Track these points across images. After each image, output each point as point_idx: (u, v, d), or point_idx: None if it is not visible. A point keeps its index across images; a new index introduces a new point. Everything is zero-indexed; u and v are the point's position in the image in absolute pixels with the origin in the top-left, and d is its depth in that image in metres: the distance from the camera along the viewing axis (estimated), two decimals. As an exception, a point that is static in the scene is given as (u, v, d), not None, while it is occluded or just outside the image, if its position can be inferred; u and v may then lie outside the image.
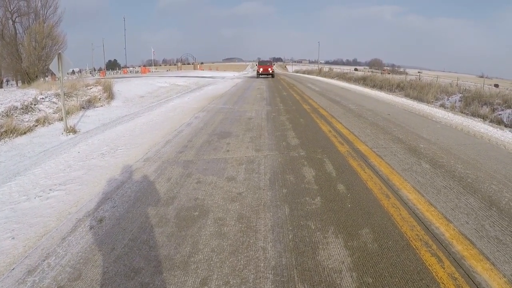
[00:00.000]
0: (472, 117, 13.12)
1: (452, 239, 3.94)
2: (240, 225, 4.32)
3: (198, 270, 3.45)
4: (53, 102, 13.23)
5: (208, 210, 4.76)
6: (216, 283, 3.26)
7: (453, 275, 3.31)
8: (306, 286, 3.20)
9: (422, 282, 3.22)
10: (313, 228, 4.24)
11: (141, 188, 5.57)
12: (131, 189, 5.54)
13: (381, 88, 27.16)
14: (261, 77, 46.04)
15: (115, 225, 4.37)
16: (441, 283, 3.20)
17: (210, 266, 3.51)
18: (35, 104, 12.41)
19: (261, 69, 46.55)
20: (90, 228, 4.31)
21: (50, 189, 5.59)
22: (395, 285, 3.20)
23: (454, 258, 3.58)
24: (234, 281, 3.28)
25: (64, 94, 11.22)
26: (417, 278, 3.29)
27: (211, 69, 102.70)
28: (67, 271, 3.44)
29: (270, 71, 46.22)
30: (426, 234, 4.06)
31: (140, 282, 3.27)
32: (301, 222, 4.39)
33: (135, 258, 3.66)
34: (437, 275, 3.32)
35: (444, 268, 3.42)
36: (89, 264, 3.55)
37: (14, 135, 10.04)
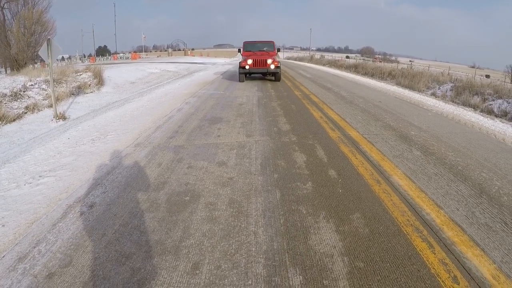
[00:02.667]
0: (463, 107, 13.14)
1: (443, 225, 3.96)
2: (231, 210, 4.32)
3: (189, 255, 3.44)
4: (43, 88, 13.04)
5: (199, 195, 4.74)
6: (208, 267, 3.26)
7: (443, 261, 3.33)
8: (297, 270, 3.21)
9: (413, 267, 3.23)
10: (304, 213, 4.24)
11: (132, 174, 5.53)
12: (122, 175, 5.50)
13: (372, 75, 27.16)
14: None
15: (105, 211, 4.34)
16: (431, 268, 3.22)
17: (201, 251, 3.50)
18: (24, 91, 12.23)
19: (249, 63, 19.69)
20: (81, 214, 4.27)
21: (40, 176, 5.53)
22: (387, 269, 3.21)
23: (444, 244, 3.59)
24: (226, 266, 3.28)
25: (54, 80, 11.08)
26: (408, 263, 3.30)
27: (202, 55, 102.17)
28: (58, 258, 3.41)
29: (272, 67, 19.65)
30: (417, 219, 4.07)
31: (131, 267, 3.25)
32: (293, 206, 4.39)
33: (126, 243, 3.63)
34: (427, 260, 3.33)
35: (435, 254, 3.43)
36: (80, 250, 3.52)
37: (3, 122, 9.90)
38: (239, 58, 24.45)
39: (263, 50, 21.37)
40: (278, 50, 22.23)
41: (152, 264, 3.30)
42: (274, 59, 19.63)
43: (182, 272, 3.19)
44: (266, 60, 19.38)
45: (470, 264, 3.28)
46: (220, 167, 5.78)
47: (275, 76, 20.60)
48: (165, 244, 3.61)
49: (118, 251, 3.50)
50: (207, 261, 3.35)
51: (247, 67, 19.43)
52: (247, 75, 20.92)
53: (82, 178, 5.43)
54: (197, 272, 3.20)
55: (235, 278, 3.11)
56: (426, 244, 3.60)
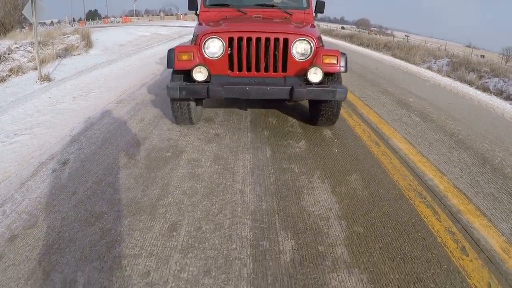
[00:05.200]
0: (459, 82, 12.89)
1: (447, 192, 3.68)
2: (216, 167, 4.00)
3: (166, 215, 3.11)
4: (28, 51, 12.54)
5: (182, 150, 4.42)
6: (187, 228, 2.92)
7: (450, 229, 3.03)
8: (289, 234, 2.88)
9: (418, 235, 2.93)
10: (296, 171, 3.94)
11: (111, 130, 5.18)
12: (100, 131, 5.15)
13: (367, 46, 26.86)
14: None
15: (79, 168, 3.98)
16: (438, 237, 2.92)
17: (180, 210, 3.17)
18: (9, 54, 11.72)
19: (213, 54, 4.66)
20: (53, 172, 3.92)
21: (14, 134, 5.16)
22: (389, 236, 2.89)
23: (450, 212, 3.31)
24: (207, 227, 2.95)
25: (40, 42, 10.65)
26: (412, 230, 2.99)
27: (194, 20, 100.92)
28: (23, 218, 3.07)
29: (316, 76, 4.53)
30: (420, 184, 3.78)
31: (100, 228, 2.92)
32: (284, 165, 4.09)
33: (97, 202, 3.30)
34: (433, 228, 3.03)
35: (440, 222, 3.14)
36: (47, 210, 3.19)
37: (-14, 86, 9.46)
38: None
39: (270, 6, 6.04)
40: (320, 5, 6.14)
41: (124, 225, 2.96)
42: (316, 34, 4.95)
43: (157, 234, 2.86)
44: (288, 39, 4.68)
45: (478, 235, 2.99)
46: (206, 122, 5.46)
47: (320, 113, 5.14)
48: (140, 203, 3.28)
49: (88, 211, 3.16)
50: (187, 221, 3.01)
51: (200, 74, 4.54)
52: (203, 101, 5.72)
53: (58, 135, 5.07)
54: (174, 234, 2.86)
55: (217, 241, 2.77)
56: (431, 210, 3.30)
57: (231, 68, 4.77)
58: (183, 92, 4.47)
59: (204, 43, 4.61)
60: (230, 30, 4.66)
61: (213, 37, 4.61)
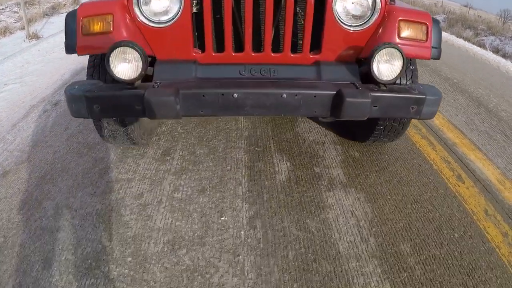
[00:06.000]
0: (455, 37, 12.81)
1: (442, 126, 3.69)
2: None
3: (160, 142, 3.10)
4: (14, 11, 12.33)
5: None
6: (181, 153, 2.92)
7: (446, 159, 3.05)
8: (284, 156, 2.89)
9: (414, 161, 2.96)
10: None
11: (103, 71, 5.06)
12: None
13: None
14: None
15: (71, 107, 3.90)
16: (434, 165, 2.94)
17: (174, 137, 3.16)
18: None
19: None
20: (44, 112, 3.88)
21: (4, 84, 5.08)
22: (385, 161, 2.91)
23: (445, 144, 3.32)
24: (201, 151, 2.94)
25: (26, 2, 10.42)
26: (408, 157, 3.02)
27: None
28: (15, 155, 3.05)
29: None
30: None
31: (93, 158, 2.92)
32: None
33: (89, 134, 3.28)
34: (429, 157, 3.06)
35: (436, 151, 3.16)
36: (39, 146, 3.17)
37: (-27, 48, 9.27)
38: None
39: None
40: None
41: (117, 153, 2.96)
42: None
43: (151, 159, 2.86)
44: None
45: (474, 166, 3.01)
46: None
47: (374, 127, 2.71)
48: (133, 133, 3.22)
49: (81, 143, 3.15)
50: (180, 147, 3.02)
51: (125, 65, 2.04)
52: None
53: (49, 81, 5.01)
54: (168, 158, 2.86)
55: (211, 164, 2.78)
56: (426, 141, 3.32)
57: (199, 44, 2.40)
58: (94, 108, 2.11)
59: None
60: None
61: None
